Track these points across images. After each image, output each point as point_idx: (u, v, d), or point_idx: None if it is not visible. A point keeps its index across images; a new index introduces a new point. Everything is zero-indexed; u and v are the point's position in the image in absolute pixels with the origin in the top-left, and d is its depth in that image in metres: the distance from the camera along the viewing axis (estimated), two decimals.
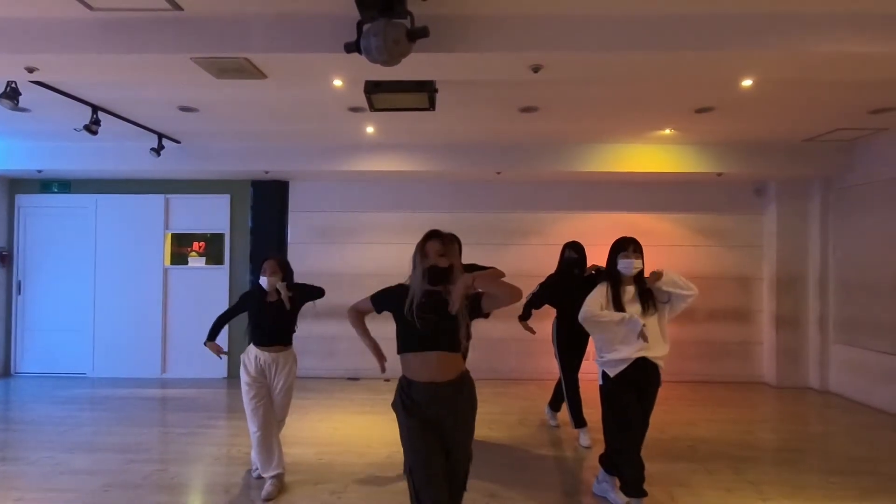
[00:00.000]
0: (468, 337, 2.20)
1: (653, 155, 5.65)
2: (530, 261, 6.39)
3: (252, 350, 3.28)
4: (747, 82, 3.58)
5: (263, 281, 3.24)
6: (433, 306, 2.13)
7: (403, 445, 2.18)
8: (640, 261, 2.96)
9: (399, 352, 2.21)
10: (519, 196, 6.49)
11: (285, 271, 3.30)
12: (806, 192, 6.15)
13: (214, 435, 4.39)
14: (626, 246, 2.99)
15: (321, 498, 3.20)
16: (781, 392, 5.93)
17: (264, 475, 3.24)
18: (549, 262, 6.26)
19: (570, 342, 4.11)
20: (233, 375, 6.32)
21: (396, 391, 2.23)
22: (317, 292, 3.41)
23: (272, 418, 3.29)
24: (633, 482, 2.92)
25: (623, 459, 2.95)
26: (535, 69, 3.02)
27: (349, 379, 6.29)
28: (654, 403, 3.02)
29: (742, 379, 6.22)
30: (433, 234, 2.24)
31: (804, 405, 5.49)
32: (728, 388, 5.96)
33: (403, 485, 3.34)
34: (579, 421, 4.12)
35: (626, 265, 2.95)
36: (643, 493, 2.92)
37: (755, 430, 4.59)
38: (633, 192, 6.38)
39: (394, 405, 2.23)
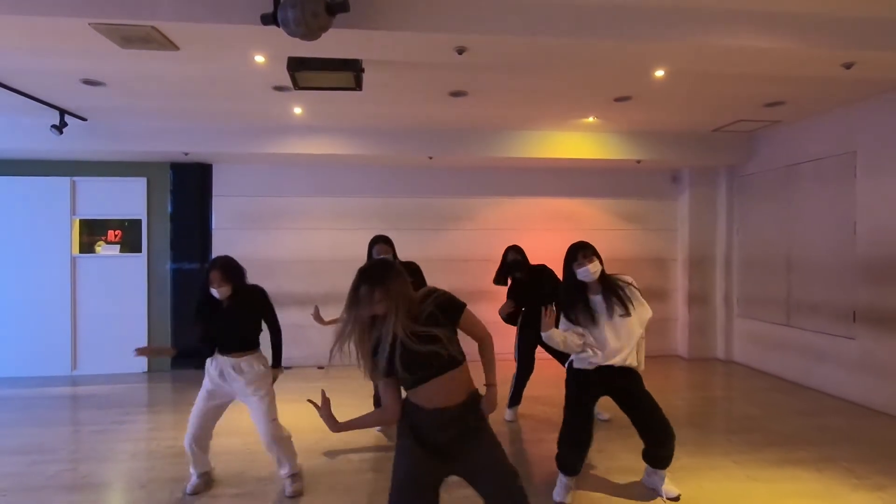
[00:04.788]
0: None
1: (577, 142, 5.89)
2: (462, 246, 6.52)
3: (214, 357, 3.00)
4: (660, 73, 3.82)
5: (215, 293, 2.89)
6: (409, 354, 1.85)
7: (395, 473, 1.95)
8: (595, 262, 2.80)
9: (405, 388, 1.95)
10: (450, 181, 6.55)
11: (231, 273, 2.91)
12: (714, 179, 6.65)
13: (131, 430, 4.15)
14: (574, 255, 2.84)
15: (248, 486, 3.14)
16: (691, 363, 6.44)
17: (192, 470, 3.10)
18: (480, 248, 6.44)
19: (530, 321, 4.13)
20: (153, 370, 5.99)
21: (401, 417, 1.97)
22: (274, 330, 3.13)
23: (203, 421, 3.01)
24: (569, 463, 2.90)
25: (564, 447, 2.91)
26: (460, 51, 3.05)
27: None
28: (645, 399, 2.86)
29: (658, 353, 6.68)
30: (364, 278, 1.86)
31: (710, 374, 6.00)
32: (646, 362, 6.37)
33: (328, 469, 3.36)
34: (516, 399, 4.28)
35: (584, 273, 2.79)
36: (577, 472, 2.94)
37: (667, 398, 4.95)
38: (560, 178, 6.63)
39: (399, 433, 1.97)
